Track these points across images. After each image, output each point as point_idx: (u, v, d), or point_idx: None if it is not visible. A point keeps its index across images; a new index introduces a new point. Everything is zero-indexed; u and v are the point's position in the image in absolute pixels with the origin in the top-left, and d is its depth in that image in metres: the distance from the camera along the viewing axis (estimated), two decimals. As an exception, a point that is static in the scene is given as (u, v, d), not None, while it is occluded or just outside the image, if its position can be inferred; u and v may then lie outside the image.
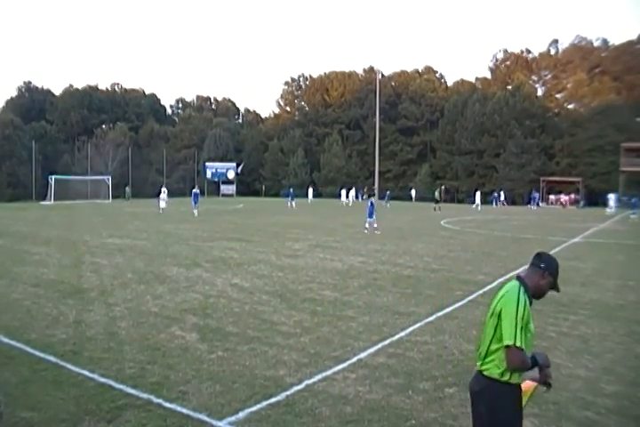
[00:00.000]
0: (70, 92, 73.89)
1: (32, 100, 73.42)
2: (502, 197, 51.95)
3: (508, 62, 68.23)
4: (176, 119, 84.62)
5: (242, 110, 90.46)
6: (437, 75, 73.51)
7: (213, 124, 75.78)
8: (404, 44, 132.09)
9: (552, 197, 55.19)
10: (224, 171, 68.19)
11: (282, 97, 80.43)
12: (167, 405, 5.22)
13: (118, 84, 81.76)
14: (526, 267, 3.53)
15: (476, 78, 71.12)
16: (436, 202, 42.05)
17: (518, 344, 3.09)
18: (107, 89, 79.45)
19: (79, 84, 76.81)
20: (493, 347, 3.26)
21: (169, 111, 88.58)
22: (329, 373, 6.15)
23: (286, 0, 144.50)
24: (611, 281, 12.12)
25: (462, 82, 70.66)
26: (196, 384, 5.74)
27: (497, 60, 69.15)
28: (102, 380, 5.80)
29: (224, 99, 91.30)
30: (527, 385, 3.36)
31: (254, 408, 5.18)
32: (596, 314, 9.12)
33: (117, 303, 9.36)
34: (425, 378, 6.03)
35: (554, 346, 7.27)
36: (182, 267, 13.26)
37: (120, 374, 5.99)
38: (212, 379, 5.89)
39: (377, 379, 5.98)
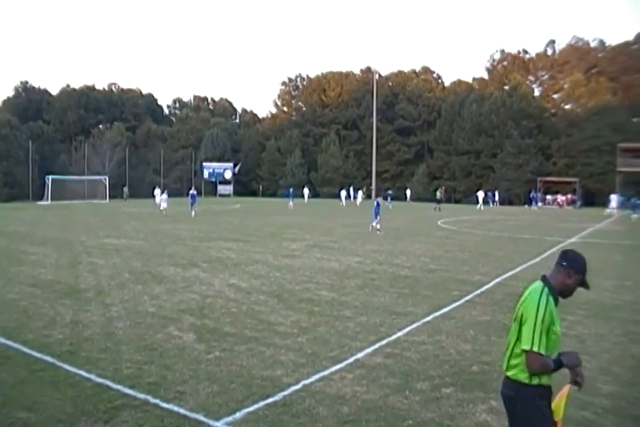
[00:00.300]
0: (67, 92, 73.76)
1: (29, 100, 73.22)
2: (496, 198, 52.08)
3: (505, 63, 68.34)
4: (173, 119, 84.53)
5: (239, 110, 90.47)
6: (434, 75, 73.65)
7: (211, 124, 75.72)
8: (401, 45, 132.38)
9: (549, 197, 55.27)
10: (221, 171, 68.17)
11: (279, 97, 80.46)
12: (164, 405, 5.21)
13: (115, 83, 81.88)
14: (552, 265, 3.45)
15: (473, 79, 71.26)
16: (438, 202, 42.19)
17: (536, 349, 3.08)
18: (104, 89, 79.36)
19: (76, 84, 77.07)
20: (517, 351, 3.25)
21: (166, 111, 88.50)
22: (326, 373, 6.15)
23: (284, 0, 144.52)
24: (608, 281, 12.13)
25: (459, 82, 70.75)
26: (194, 384, 5.74)
27: (494, 61, 69.29)
28: (99, 380, 5.79)
29: (221, 99, 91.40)
30: (563, 391, 3.31)
31: (251, 408, 5.17)
32: (592, 314, 9.14)
33: (114, 304, 9.35)
34: (422, 378, 6.03)
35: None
36: (179, 267, 13.25)
37: (117, 374, 5.99)
38: (210, 379, 5.89)
39: (374, 379, 5.98)
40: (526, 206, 50.72)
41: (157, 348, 6.95)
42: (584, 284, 3.34)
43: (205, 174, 67.94)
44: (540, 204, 52.29)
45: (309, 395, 5.52)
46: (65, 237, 19.81)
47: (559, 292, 3.31)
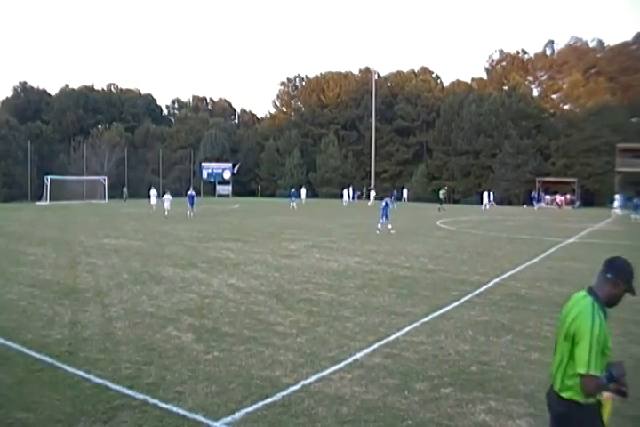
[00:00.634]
0: (66, 92, 73.68)
1: (28, 101, 73.11)
2: (491, 198, 52.04)
3: (503, 63, 68.39)
4: (172, 119, 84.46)
5: (238, 111, 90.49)
6: (433, 75, 73.57)
7: (209, 124, 75.65)
8: (400, 45, 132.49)
9: (548, 197, 55.30)
10: (220, 171, 68.10)
11: (278, 97, 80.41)
12: (163, 405, 5.21)
13: (114, 84, 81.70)
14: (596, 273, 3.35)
15: (472, 79, 71.28)
16: (441, 202, 42.32)
17: (592, 372, 3.00)
18: (103, 89, 79.24)
19: (75, 84, 76.94)
20: (571, 372, 3.15)
21: (165, 111, 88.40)
22: (325, 373, 6.16)
23: (282, 0, 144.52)
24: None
25: (458, 82, 70.76)
26: (192, 385, 5.74)
27: (493, 61, 69.33)
28: (98, 380, 5.79)
29: (220, 99, 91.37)
30: (604, 398, 3.27)
31: (250, 409, 5.18)
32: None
33: (113, 304, 9.35)
34: (421, 378, 6.03)
35: (549, 346, 7.24)
36: (178, 267, 13.25)
37: (116, 374, 5.99)
38: (208, 379, 5.89)
39: (373, 379, 5.98)
40: (525, 206, 50.70)
41: (156, 348, 6.95)
42: (631, 290, 3.25)
43: (204, 175, 67.87)
44: (542, 204, 52.32)
45: (308, 395, 5.52)
46: (64, 238, 19.80)
47: (606, 302, 3.23)
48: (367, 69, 73.04)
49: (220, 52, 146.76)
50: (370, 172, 64.73)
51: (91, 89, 76.26)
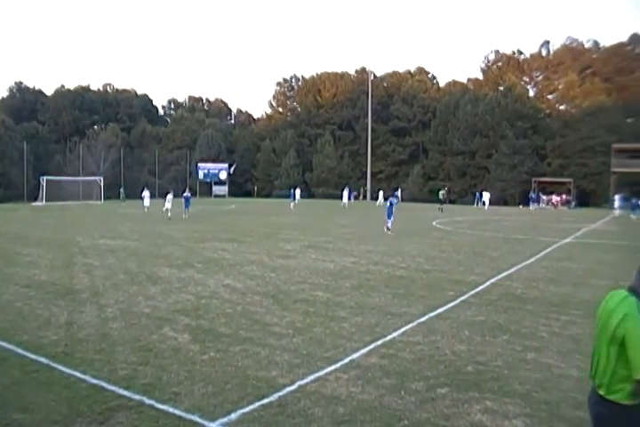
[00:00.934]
0: (62, 93, 73.52)
1: (23, 101, 72.94)
2: (484, 198, 52.06)
3: (499, 63, 68.47)
4: (168, 120, 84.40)
5: (234, 111, 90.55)
6: (429, 76, 73.69)
7: (205, 124, 75.63)
8: (396, 45, 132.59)
9: (544, 197, 55.41)
10: (216, 171, 68.10)
11: (274, 98, 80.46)
12: (159, 406, 5.21)
13: (110, 84, 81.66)
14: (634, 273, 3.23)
15: (468, 79, 71.44)
16: (441, 203, 42.39)
17: None
18: (99, 89, 79.16)
19: (71, 85, 76.83)
20: (622, 374, 3.05)
21: (161, 112, 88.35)
22: (321, 373, 6.16)
23: (279, 1, 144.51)
24: (602, 281, 12.17)
25: (454, 83, 70.88)
26: (189, 385, 5.73)
27: (488, 61, 69.43)
28: (94, 381, 5.78)
29: (216, 99, 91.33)
30: None
31: (247, 409, 5.17)
32: (587, 314, 9.13)
33: (109, 304, 9.33)
34: (417, 378, 6.04)
35: (545, 346, 7.30)
36: (174, 268, 13.23)
37: (112, 375, 5.97)
38: (205, 380, 5.89)
39: (369, 379, 5.99)
40: (521, 207, 50.76)
41: (152, 349, 6.94)
42: None
43: (200, 175, 67.87)
44: (541, 204, 52.41)
45: (304, 395, 5.52)
46: (60, 238, 19.75)
47: None
48: (363, 70, 73.21)
49: (216, 52, 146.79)
50: (366, 172, 64.78)
51: (87, 89, 76.16)
